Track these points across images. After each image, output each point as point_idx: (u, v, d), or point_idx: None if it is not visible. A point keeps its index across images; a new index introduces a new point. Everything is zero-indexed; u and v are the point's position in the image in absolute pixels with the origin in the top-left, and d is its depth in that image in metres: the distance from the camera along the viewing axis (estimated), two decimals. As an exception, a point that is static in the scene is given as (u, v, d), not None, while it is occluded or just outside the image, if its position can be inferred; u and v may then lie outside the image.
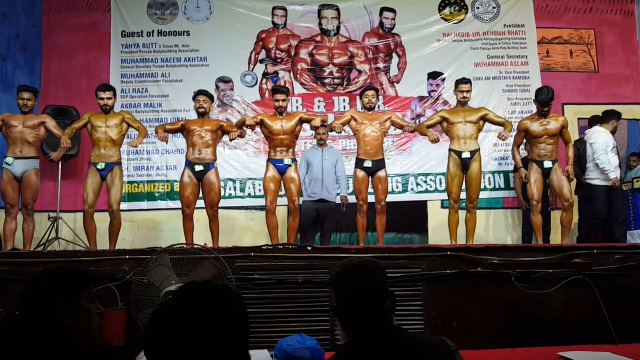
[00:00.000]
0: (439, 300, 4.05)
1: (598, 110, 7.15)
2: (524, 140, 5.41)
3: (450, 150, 5.32)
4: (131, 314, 3.70)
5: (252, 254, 4.16)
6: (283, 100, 5.22)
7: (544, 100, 5.14)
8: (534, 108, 6.81)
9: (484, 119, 5.31)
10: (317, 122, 5.28)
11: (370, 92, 5.38)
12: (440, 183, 6.97)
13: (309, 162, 5.97)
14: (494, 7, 7.58)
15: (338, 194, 6.02)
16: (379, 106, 7.08)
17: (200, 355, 1.04)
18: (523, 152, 6.67)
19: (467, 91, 5.30)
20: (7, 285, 4.00)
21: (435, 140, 5.28)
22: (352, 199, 5.73)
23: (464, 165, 5.24)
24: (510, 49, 7.49)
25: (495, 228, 7.11)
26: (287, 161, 5.21)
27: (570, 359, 2.62)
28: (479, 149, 5.30)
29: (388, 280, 3.90)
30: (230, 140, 5.48)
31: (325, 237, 6.00)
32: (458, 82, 5.38)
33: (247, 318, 1.13)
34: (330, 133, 6.03)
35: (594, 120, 6.16)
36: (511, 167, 7.08)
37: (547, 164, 5.18)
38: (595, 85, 7.47)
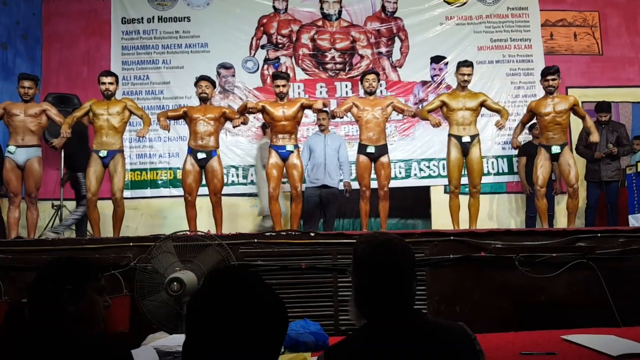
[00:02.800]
0: (443, 284, 4.05)
1: (602, 93, 7.11)
2: (530, 122, 5.41)
3: (450, 135, 5.31)
4: (136, 300, 3.72)
5: (256, 240, 4.17)
6: (283, 85, 5.18)
7: (548, 71, 5.20)
8: (537, 91, 6.82)
9: (483, 105, 5.31)
10: (318, 104, 5.23)
11: (371, 77, 5.34)
12: (443, 168, 6.92)
13: (311, 148, 5.95)
14: (497, -10, 7.50)
15: (341, 180, 6.01)
16: (381, 91, 7.05)
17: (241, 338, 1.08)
18: (528, 137, 6.70)
19: (469, 74, 5.29)
20: (12, 274, 4.03)
21: (437, 124, 5.27)
22: (355, 184, 5.72)
23: (465, 149, 5.23)
24: (513, 32, 7.42)
25: (499, 213, 7.10)
26: (289, 147, 5.19)
27: (574, 342, 2.62)
28: (478, 134, 5.29)
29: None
30: (234, 127, 5.47)
31: (329, 223, 6.01)
32: (460, 65, 5.35)
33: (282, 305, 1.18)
34: (332, 119, 6.02)
35: None
36: (515, 152, 7.06)
37: (555, 149, 5.15)
38: (600, 68, 7.41)
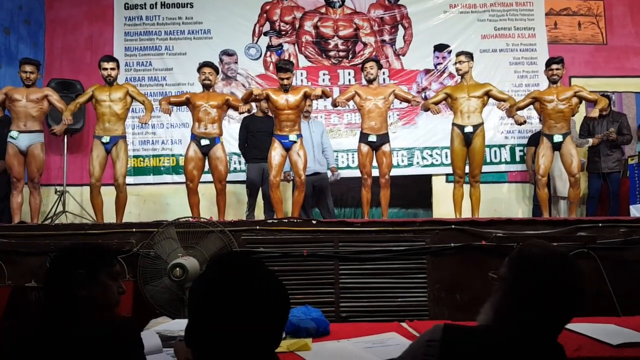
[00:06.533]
0: (443, 273, 4.07)
1: (606, 83, 7.08)
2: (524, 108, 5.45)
3: (453, 124, 5.30)
4: (138, 286, 3.75)
5: (258, 227, 4.19)
6: (287, 78, 5.15)
7: (552, 60, 5.22)
8: (541, 81, 6.79)
9: (488, 94, 5.29)
10: (318, 91, 5.21)
11: (369, 64, 5.32)
12: (446, 157, 6.93)
13: None
14: (501, -22, 7.45)
15: (328, 168, 6.10)
16: (384, 79, 7.03)
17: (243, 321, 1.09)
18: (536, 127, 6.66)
19: (460, 62, 5.30)
20: (16, 258, 4.06)
21: (437, 111, 5.29)
22: (356, 173, 5.72)
23: (467, 139, 5.22)
24: (517, 20, 7.37)
25: (504, 202, 7.09)
26: (292, 137, 5.16)
27: (574, 331, 2.64)
28: (482, 123, 5.27)
29: (392, 254, 3.88)
30: (240, 114, 5.45)
31: (330, 210, 6.04)
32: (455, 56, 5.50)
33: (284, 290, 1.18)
34: (334, 108, 6.01)
35: None
36: (518, 141, 7.05)
37: (557, 137, 5.14)
38: (604, 57, 7.36)
